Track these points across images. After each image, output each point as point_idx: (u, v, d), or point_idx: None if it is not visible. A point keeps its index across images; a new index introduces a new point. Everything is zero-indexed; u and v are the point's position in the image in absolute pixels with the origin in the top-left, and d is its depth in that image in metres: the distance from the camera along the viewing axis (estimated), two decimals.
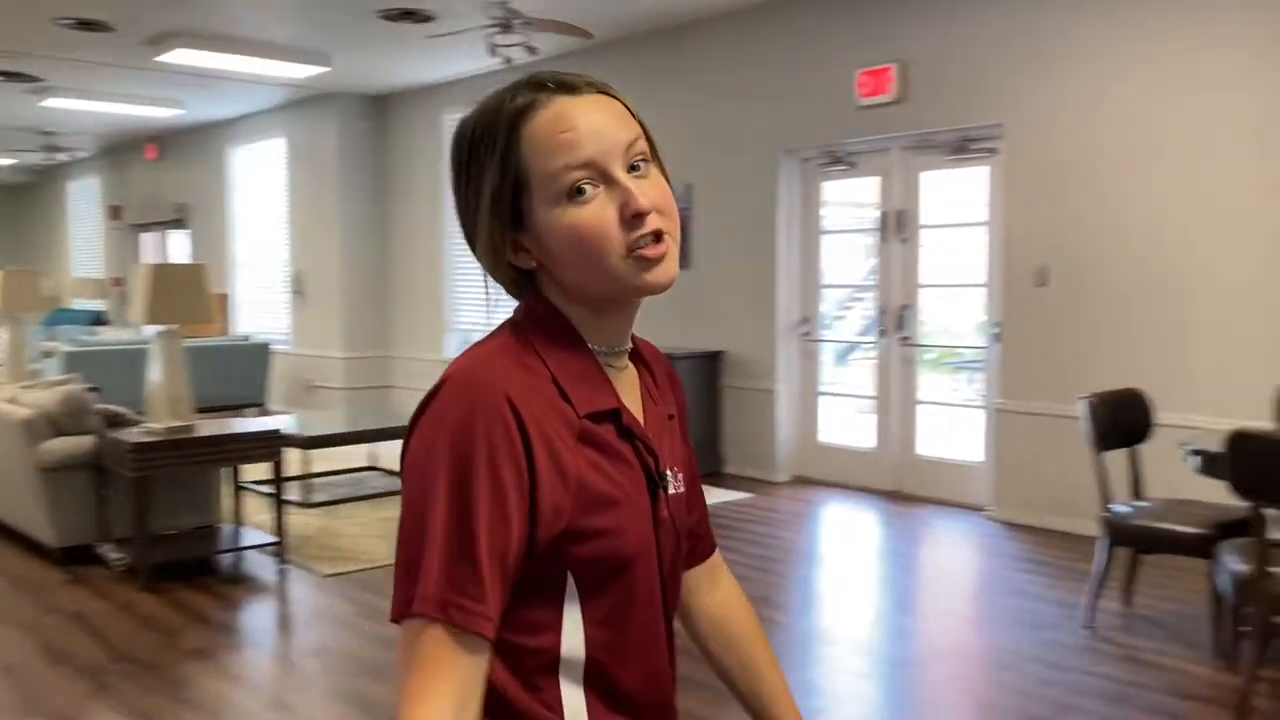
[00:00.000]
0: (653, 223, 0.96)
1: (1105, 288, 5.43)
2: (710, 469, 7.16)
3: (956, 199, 6.34)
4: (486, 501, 0.90)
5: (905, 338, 6.52)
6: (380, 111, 10.06)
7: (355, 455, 7.30)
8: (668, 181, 1.01)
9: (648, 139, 1.01)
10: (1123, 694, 3.50)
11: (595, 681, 1.00)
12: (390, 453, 7.06)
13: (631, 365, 1.09)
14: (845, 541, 5.85)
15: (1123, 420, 4.16)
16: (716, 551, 1.26)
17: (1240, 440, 3.12)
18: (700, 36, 7.29)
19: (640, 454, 1.02)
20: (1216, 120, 5.03)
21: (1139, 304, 5.31)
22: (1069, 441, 5.12)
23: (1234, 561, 3.32)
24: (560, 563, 0.96)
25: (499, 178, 0.97)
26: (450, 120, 9.35)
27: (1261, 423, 4.32)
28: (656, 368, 1.14)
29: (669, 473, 1.06)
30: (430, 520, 0.91)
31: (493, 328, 1.06)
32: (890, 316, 6.56)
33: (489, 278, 1.04)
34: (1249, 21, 4.91)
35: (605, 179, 0.96)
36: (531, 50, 6.13)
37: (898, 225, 6.47)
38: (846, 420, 7.03)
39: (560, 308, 1.02)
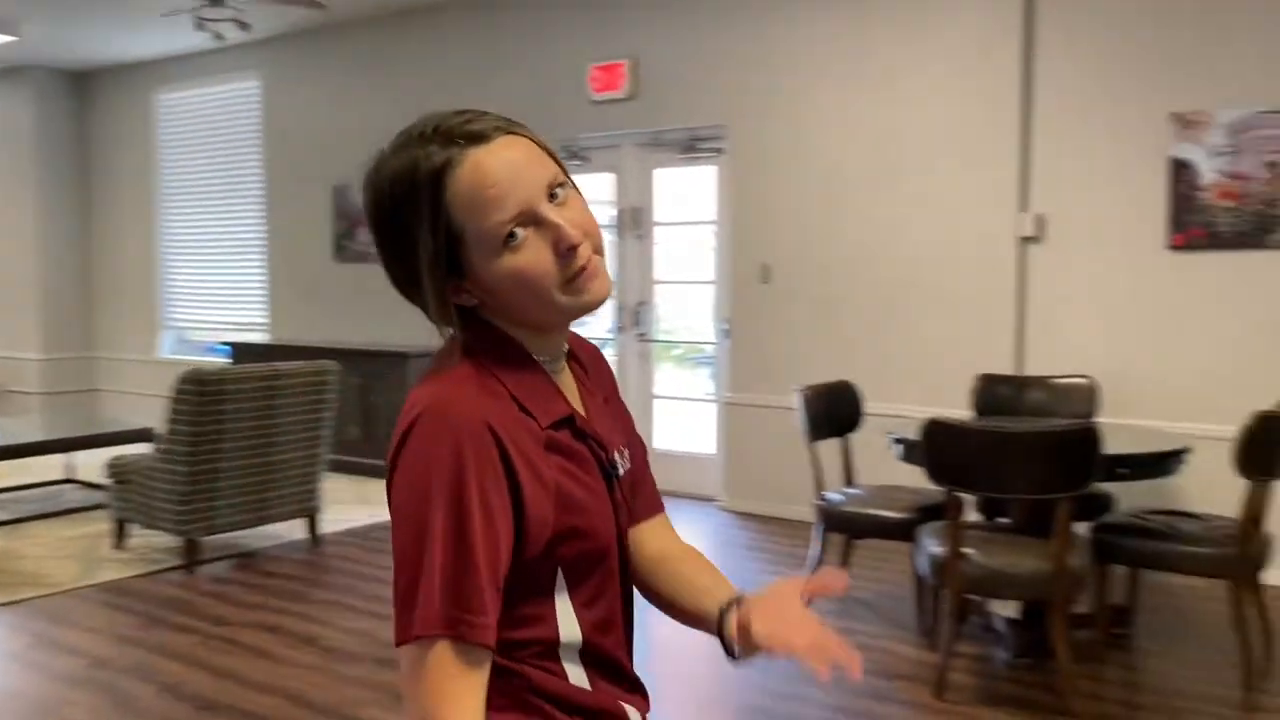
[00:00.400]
0: (584, 253, 1.03)
1: (821, 284, 5.65)
2: None
3: (688, 197, 6.43)
4: (481, 524, 0.97)
5: (642, 334, 6.55)
6: (83, 89, 9.15)
7: (50, 467, 6.57)
8: (580, 195, 1.08)
9: (558, 165, 1.06)
10: (836, 678, 3.58)
11: (590, 658, 1.10)
12: (89, 461, 6.40)
13: (565, 364, 1.16)
14: None
15: (834, 411, 4.31)
16: (664, 513, 1.33)
17: (934, 428, 3.26)
18: (433, 22, 7.05)
19: (594, 450, 1.11)
20: (926, 124, 5.32)
21: (852, 300, 5.56)
22: (790, 432, 5.28)
23: (932, 544, 3.47)
24: (551, 562, 1.05)
25: (433, 242, 1.00)
26: (164, 100, 8.64)
27: (961, 412, 4.59)
28: (582, 354, 1.21)
29: (617, 456, 1.15)
30: (429, 546, 0.97)
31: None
32: (628, 313, 6.58)
33: (432, 317, 1.06)
34: (959, 26, 5.23)
35: (534, 221, 1.02)
36: (244, 26, 5.70)
37: (633, 222, 6.50)
38: None
39: (504, 330, 1.08)
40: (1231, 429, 3.45)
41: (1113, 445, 3.28)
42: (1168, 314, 4.79)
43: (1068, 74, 4.96)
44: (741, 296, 5.94)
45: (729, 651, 1.16)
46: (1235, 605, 3.47)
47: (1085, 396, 4.48)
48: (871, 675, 3.61)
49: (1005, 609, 3.75)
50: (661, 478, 5.58)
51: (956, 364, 5.11)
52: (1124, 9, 4.83)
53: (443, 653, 0.96)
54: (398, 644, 0.99)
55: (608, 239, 1.19)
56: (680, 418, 6.68)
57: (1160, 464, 3.59)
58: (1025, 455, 3.22)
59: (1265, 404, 3.63)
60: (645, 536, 1.27)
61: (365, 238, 7.45)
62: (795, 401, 4.20)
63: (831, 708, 3.37)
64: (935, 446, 3.26)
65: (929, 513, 3.88)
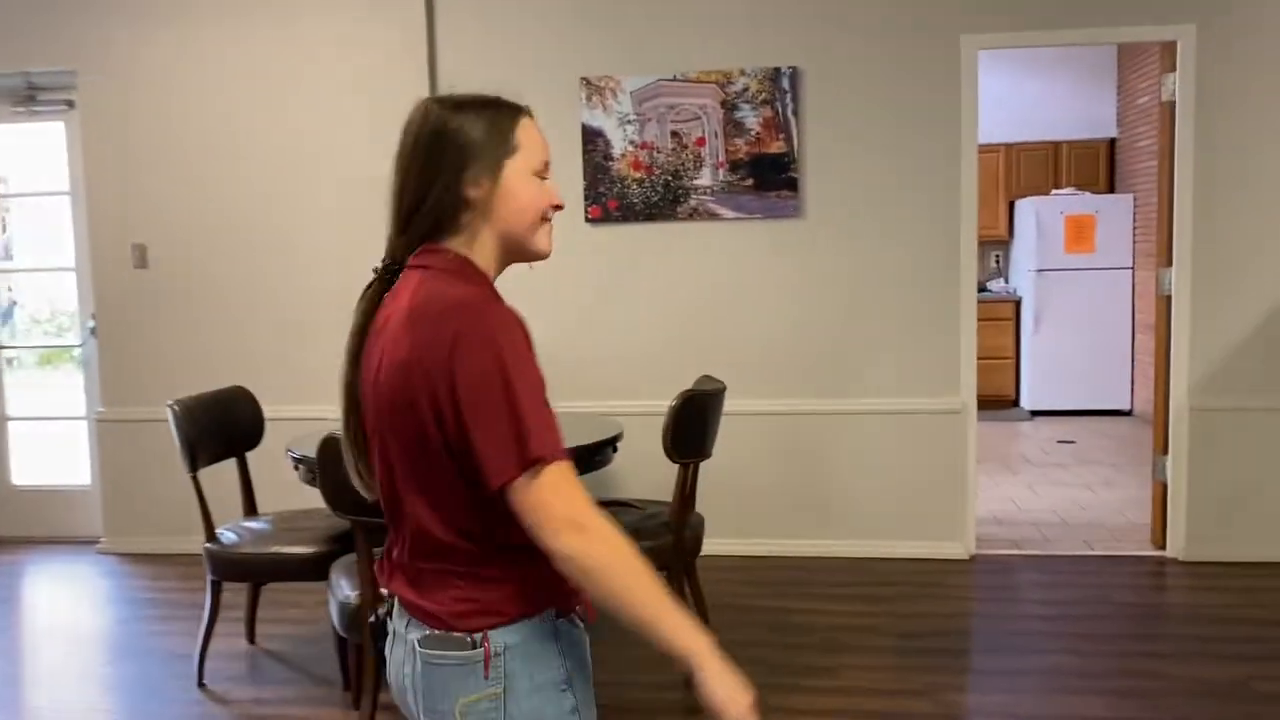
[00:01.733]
0: (557, 211, 1.44)
1: (211, 268, 4.71)
2: None
3: (32, 161, 5.08)
4: (539, 378, 1.27)
5: None
6: None
7: None
8: None
9: None
10: None
11: None
12: None
13: None
14: None
15: (224, 427, 3.46)
16: None
17: (329, 448, 2.56)
18: None
19: None
20: (329, 77, 4.59)
21: (249, 286, 4.70)
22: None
23: (343, 586, 2.80)
24: None
25: (499, 141, 1.36)
26: None
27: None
28: None
29: None
30: (520, 398, 1.24)
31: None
32: None
33: (423, 206, 1.36)
34: None
35: (544, 176, 1.42)
36: None
37: None
38: None
39: (477, 260, 1.38)
40: (656, 403, 3.22)
41: None
42: (591, 290, 4.58)
43: (472, 31, 4.53)
44: (111, 286, 4.78)
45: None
46: (675, 593, 3.25)
47: None
48: None
49: None
50: (26, 524, 4.19)
51: None
52: None
53: (566, 471, 1.25)
54: (513, 478, 1.22)
55: None
56: (44, 443, 5.33)
57: (597, 453, 3.28)
58: None
59: (687, 379, 3.47)
60: None
61: None
62: (169, 418, 3.29)
63: None
64: (331, 469, 2.56)
65: (348, 542, 3.21)
